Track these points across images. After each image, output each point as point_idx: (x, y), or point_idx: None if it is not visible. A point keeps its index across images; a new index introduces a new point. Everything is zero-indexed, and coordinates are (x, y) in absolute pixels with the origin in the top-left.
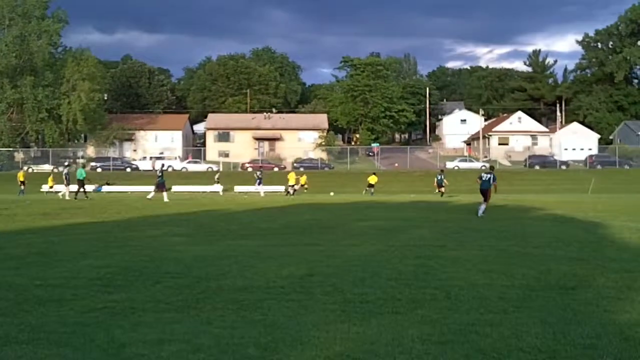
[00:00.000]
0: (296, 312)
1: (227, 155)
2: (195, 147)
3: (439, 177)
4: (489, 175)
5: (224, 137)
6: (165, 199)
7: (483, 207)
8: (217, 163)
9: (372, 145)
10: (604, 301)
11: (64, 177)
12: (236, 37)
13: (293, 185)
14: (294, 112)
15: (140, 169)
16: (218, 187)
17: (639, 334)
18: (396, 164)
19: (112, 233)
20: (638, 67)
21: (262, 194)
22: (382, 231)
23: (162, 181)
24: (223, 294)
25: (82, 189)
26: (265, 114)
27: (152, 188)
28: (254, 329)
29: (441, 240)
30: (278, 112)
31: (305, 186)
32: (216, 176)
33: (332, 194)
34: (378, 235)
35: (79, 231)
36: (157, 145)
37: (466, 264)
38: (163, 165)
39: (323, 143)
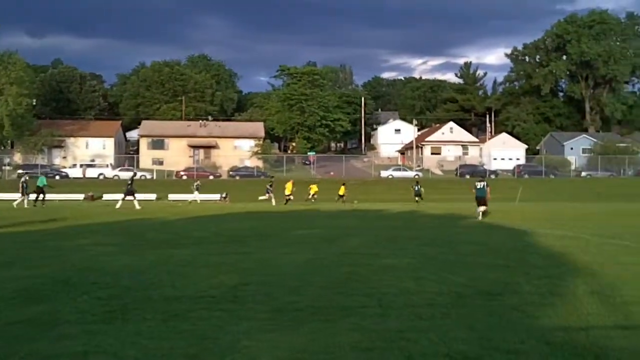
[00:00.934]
0: (227, 322)
1: (161, 163)
2: (128, 154)
3: (417, 188)
4: (482, 184)
5: (158, 144)
6: (137, 207)
7: (481, 210)
8: (150, 171)
9: (308, 153)
10: (528, 307)
11: (20, 185)
12: (171, 43)
13: (289, 195)
14: (230, 120)
15: (70, 176)
16: (197, 195)
17: (560, 338)
18: (332, 173)
19: (41, 242)
20: (563, 80)
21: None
22: (318, 239)
23: (131, 189)
24: (152, 304)
25: (41, 196)
26: (201, 121)
27: (82, 196)
28: (183, 339)
29: (375, 248)
30: (214, 120)
31: (315, 196)
32: (195, 184)
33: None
34: (313, 243)
35: (7, 240)
36: (88, 152)
37: (398, 271)
38: (135, 174)
39: (259, 151)
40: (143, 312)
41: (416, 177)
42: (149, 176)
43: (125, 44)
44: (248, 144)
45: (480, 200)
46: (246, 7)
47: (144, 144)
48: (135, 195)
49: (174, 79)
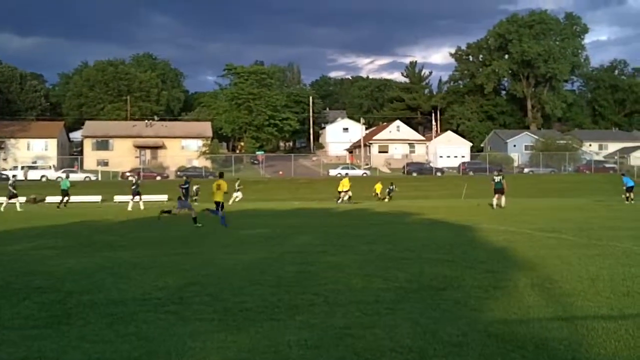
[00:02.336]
0: (172, 324)
1: (106, 164)
2: (71, 155)
3: (391, 187)
4: (499, 177)
5: (102, 145)
6: (141, 207)
7: (499, 200)
8: (95, 172)
9: (257, 153)
10: (471, 300)
11: (9, 187)
12: (115, 42)
13: (347, 191)
14: (177, 119)
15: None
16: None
17: (501, 331)
18: (281, 172)
19: None
20: (506, 79)
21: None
22: (265, 239)
23: (137, 190)
24: (96, 308)
25: (65, 199)
26: (146, 121)
27: (24, 199)
28: (128, 342)
29: (323, 246)
30: (160, 120)
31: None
32: (236, 183)
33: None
34: (261, 242)
35: None
36: (29, 153)
37: (345, 268)
38: (139, 175)
39: (207, 151)
40: (87, 316)
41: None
42: (93, 177)
43: (68, 42)
44: (196, 144)
45: (498, 191)
46: (192, 5)
47: (88, 144)
48: (141, 196)
49: (119, 79)
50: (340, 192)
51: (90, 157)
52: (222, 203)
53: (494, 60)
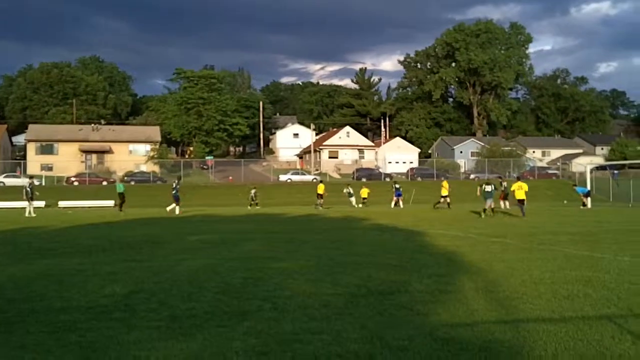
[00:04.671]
0: (118, 332)
1: (50, 169)
2: (14, 160)
3: (399, 188)
4: (491, 187)
5: (47, 149)
6: (177, 212)
7: (489, 205)
8: (39, 177)
9: (207, 158)
10: (418, 305)
11: (25, 192)
12: (61, 45)
13: (321, 196)
14: (124, 123)
15: None
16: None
17: (447, 334)
18: (230, 177)
19: None
20: (453, 86)
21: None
22: (214, 244)
23: (177, 195)
24: (38, 316)
25: (122, 202)
26: (93, 125)
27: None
28: (70, 351)
29: (272, 251)
30: (107, 124)
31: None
32: (252, 191)
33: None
34: (210, 248)
35: None
36: None
37: (294, 274)
38: (180, 179)
39: (155, 156)
40: (27, 324)
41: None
42: (37, 182)
43: (11, 44)
44: (144, 149)
45: (488, 200)
46: (141, 9)
47: (31, 148)
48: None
49: (64, 81)
50: (319, 196)
51: (34, 161)
52: None
53: (441, 68)
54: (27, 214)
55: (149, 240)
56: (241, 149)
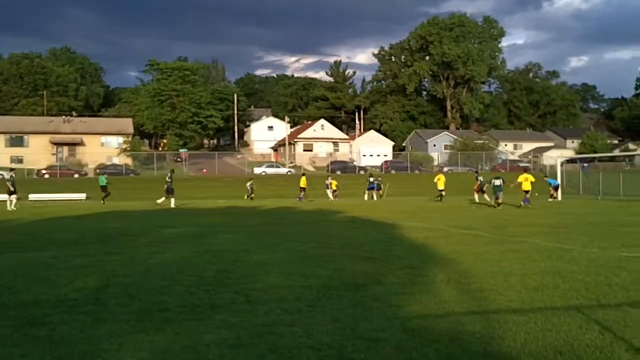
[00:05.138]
0: (88, 326)
1: (20, 161)
2: None
3: (373, 181)
4: (499, 181)
5: (16, 141)
6: (172, 204)
7: (498, 200)
8: (8, 169)
9: (180, 150)
10: (390, 296)
11: (8, 184)
12: (31, 35)
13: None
14: (96, 115)
15: None
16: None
17: (418, 326)
18: (204, 170)
19: None
20: (426, 79)
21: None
22: (188, 238)
23: (171, 187)
24: (5, 311)
25: (105, 194)
26: (64, 117)
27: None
28: (39, 346)
29: (246, 244)
30: (79, 116)
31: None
32: (249, 184)
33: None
34: (183, 242)
35: None
36: None
37: (268, 267)
38: (173, 171)
39: (128, 148)
40: None
41: (370, 172)
42: (7, 175)
43: None
44: (116, 141)
45: (498, 194)
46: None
47: (1, 141)
48: (173, 193)
49: (34, 72)
50: (302, 190)
51: (4, 154)
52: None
53: (415, 61)
54: (9, 207)
55: (121, 233)
56: (215, 141)
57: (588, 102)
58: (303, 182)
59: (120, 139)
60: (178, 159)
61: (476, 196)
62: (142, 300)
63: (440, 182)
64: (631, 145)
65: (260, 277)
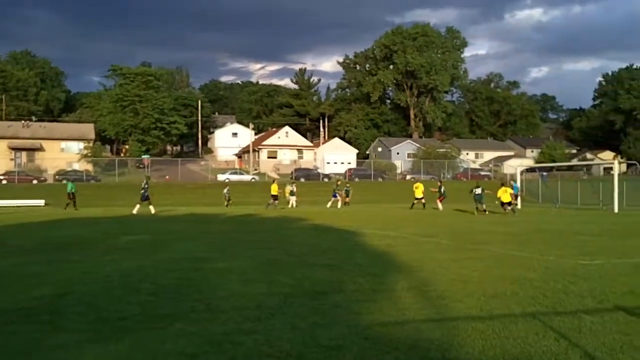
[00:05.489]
0: (44, 335)
1: None
2: None
3: (347, 188)
4: (480, 189)
5: None
6: (152, 211)
7: (482, 207)
8: None
9: (143, 156)
10: (351, 304)
11: None
12: None
13: (275, 197)
14: (57, 120)
15: None
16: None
17: (378, 333)
18: (167, 177)
19: None
20: (390, 88)
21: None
22: (148, 245)
23: (146, 194)
24: None
25: (71, 201)
26: (23, 121)
27: None
28: None
29: (207, 252)
30: (39, 120)
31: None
32: (225, 190)
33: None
34: (143, 249)
35: None
36: None
37: (229, 274)
38: (149, 178)
39: (89, 154)
40: None
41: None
42: None
43: None
44: (77, 147)
45: (480, 202)
46: (74, 2)
47: None
48: (150, 199)
49: None
50: (273, 197)
51: None
52: None
53: (379, 70)
54: None
55: (80, 240)
56: (179, 148)
57: (547, 112)
58: (274, 189)
59: (81, 145)
60: (140, 165)
61: (439, 205)
62: (101, 309)
63: (419, 190)
64: (589, 155)
65: (221, 285)
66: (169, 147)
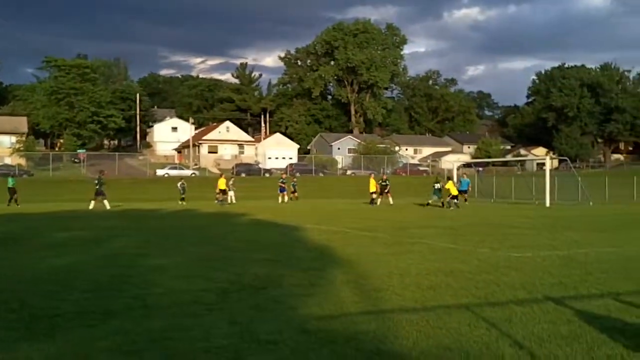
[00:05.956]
0: None
1: None
2: None
3: (294, 183)
4: (438, 185)
5: None
6: (107, 206)
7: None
8: None
9: (78, 151)
10: (290, 298)
11: None
12: None
13: (222, 191)
14: None
15: None
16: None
17: (315, 327)
18: (104, 171)
19: None
20: (331, 84)
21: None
22: (83, 241)
23: (100, 189)
24: None
25: (13, 197)
26: None
27: None
28: None
29: (145, 248)
30: None
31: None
32: (179, 184)
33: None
34: (78, 245)
35: None
36: None
37: (167, 270)
38: (102, 172)
39: (22, 148)
40: None
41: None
42: None
43: None
44: (9, 140)
45: (438, 196)
46: None
47: None
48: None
49: None
50: (222, 192)
51: None
52: None
53: (321, 65)
54: None
55: (11, 236)
56: (116, 142)
57: (484, 109)
58: (222, 183)
59: (14, 139)
60: (76, 160)
61: (382, 199)
62: (33, 306)
63: (372, 185)
64: (522, 151)
65: (158, 281)
66: (106, 142)
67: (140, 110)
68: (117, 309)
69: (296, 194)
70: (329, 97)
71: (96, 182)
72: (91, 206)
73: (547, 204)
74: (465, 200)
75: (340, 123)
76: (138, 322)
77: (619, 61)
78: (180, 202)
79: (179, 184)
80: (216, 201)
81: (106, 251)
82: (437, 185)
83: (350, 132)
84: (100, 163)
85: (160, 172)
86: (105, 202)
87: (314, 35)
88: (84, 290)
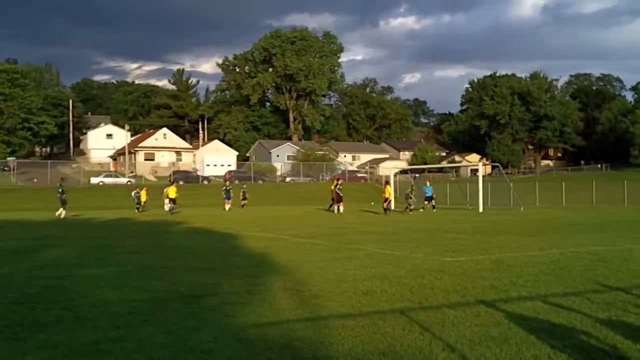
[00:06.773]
0: None
1: None
2: None
3: (243, 189)
4: (408, 190)
5: None
6: (62, 215)
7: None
8: None
9: (8, 159)
10: (226, 307)
11: None
12: None
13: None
14: None
15: None
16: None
17: (252, 335)
18: (35, 180)
19: None
20: (270, 91)
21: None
22: (11, 252)
23: (63, 197)
24: None
25: None
26: None
27: None
28: None
29: (78, 258)
30: None
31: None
32: (133, 193)
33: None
34: (6, 256)
35: None
36: None
37: (101, 281)
38: (63, 180)
39: None
40: None
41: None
42: None
43: None
44: None
45: (409, 201)
46: None
47: None
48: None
49: None
50: (171, 201)
51: None
52: None
53: (259, 72)
54: None
55: None
56: (48, 149)
57: (420, 116)
58: (172, 192)
59: None
60: (5, 168)
61: (335, 206)
62: None
63: (387, 192)
64: (457, 158)
65: (91, 292)
66: (37, 149)
67: (73, 116)
68: (47, 321)
69: (246, 201)
70: (268, 104)
71: (59, 191)
72: (62, 215)
73: (481, 209)
74: (434, 207)
75: (279, 130)
76: (69, 335)
77: (547, 70)
78: (136, 211)
79: (133, 193)
80: (166, 209)
81: (37, 262)
82: (408, 191)
83: (289, 139)
84: (32, 171)
85: (94, 180)
86: (63, 210)
87: (251, 42)
88: (11, 302)
